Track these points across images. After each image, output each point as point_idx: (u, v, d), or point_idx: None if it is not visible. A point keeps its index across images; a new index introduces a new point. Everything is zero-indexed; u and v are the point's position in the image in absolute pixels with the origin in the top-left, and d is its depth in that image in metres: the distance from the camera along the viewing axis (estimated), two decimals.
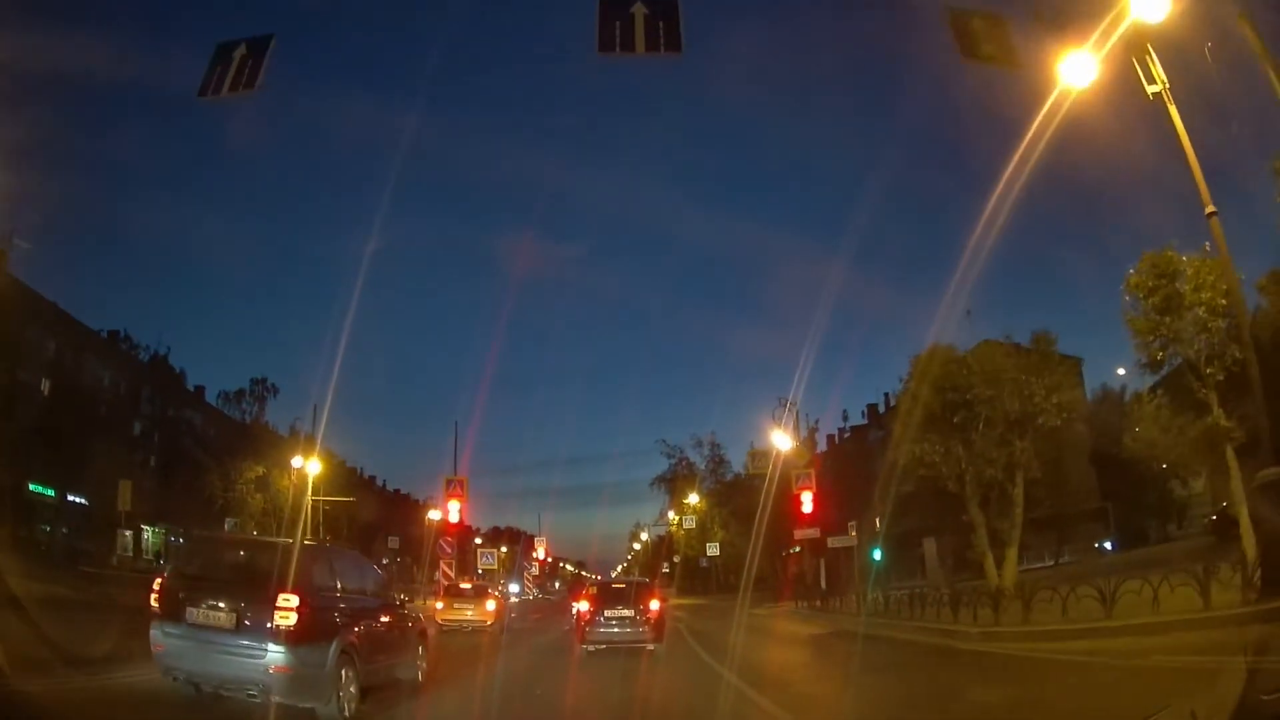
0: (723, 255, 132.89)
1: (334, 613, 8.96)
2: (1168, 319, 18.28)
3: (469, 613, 22.99)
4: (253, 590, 8.30)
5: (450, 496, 32.07)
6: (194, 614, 8.22)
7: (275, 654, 7.98)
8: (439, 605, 23.44)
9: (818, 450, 56.79)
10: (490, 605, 23.46)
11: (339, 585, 9.35)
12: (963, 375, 22.54)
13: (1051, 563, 37.33)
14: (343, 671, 8.65)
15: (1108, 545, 38.66)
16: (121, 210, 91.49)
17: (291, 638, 8.03)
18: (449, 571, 31.48)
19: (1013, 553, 24.07)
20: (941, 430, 22.81)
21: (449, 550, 31.93)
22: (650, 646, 15.63)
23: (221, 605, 8.19)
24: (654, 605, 16.03)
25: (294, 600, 8.12)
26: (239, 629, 8.10)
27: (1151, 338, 18.57)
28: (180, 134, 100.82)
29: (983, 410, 22.49)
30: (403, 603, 11.37)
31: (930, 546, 27.51)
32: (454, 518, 32.62)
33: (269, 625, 8.03)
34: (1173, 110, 12.77)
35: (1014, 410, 22.87)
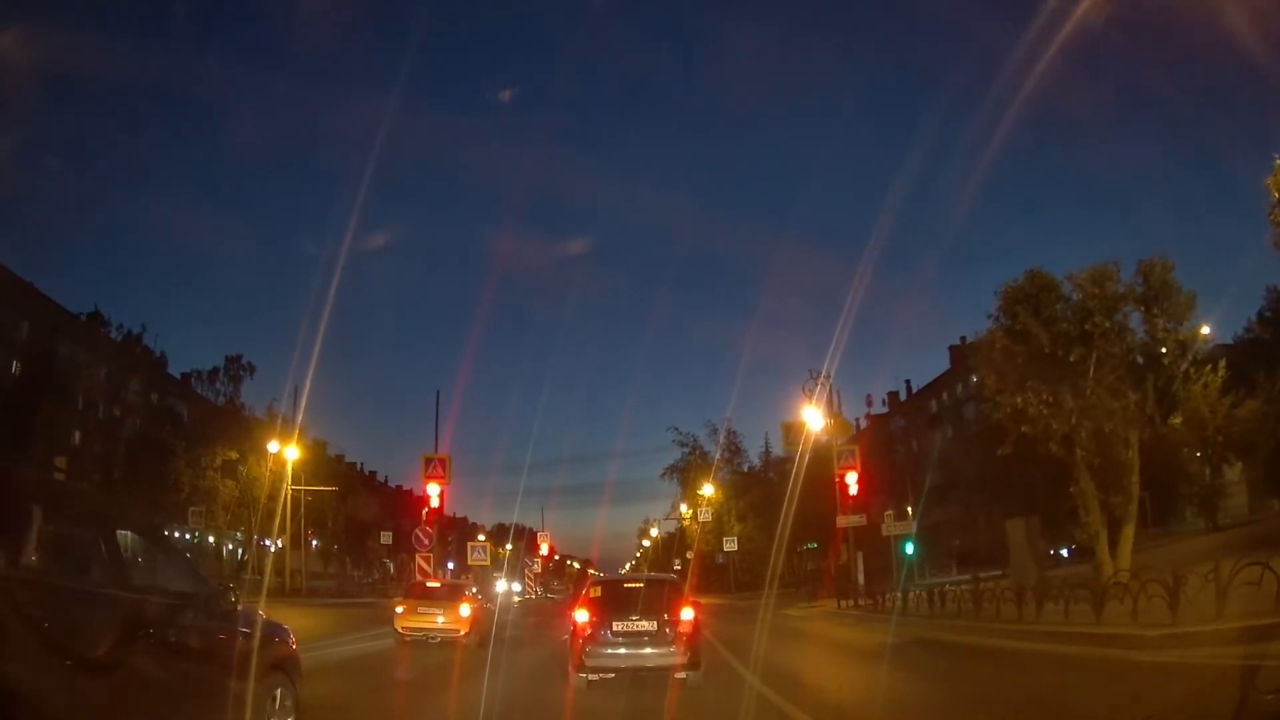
0: (729, 250, 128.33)
1: None
2: None
3: (438, 619, 17.64)
4: None
5: (430, 478, 27.09)
6: None
7: None
8: (399, 609, 18.07)
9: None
10: (465, 610, 18.05)
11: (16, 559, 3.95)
12: (1079, 301, 17.43)
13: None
14: None
15: (1064, 553, 34.41)
16: (100, 189, 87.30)
17: None
18: (426, 567, 26.42)
19: (1129, 532, 19.16)
20: (1047, 375, 17.66)
21: (426, 542, 26.88)
22: (681, 674, 10.32)
23: None
24: (685, 614, 10.68)
25: None
26: None
27: None
28: (162, 119, 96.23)
29: (1100, 345, 17.39)
30: (222, 607, 5.56)
31: (1016, 529, 22.43)
32: (434, 503, 27.75)
33: None
34: None
35: (1135, 347, 17.91)
